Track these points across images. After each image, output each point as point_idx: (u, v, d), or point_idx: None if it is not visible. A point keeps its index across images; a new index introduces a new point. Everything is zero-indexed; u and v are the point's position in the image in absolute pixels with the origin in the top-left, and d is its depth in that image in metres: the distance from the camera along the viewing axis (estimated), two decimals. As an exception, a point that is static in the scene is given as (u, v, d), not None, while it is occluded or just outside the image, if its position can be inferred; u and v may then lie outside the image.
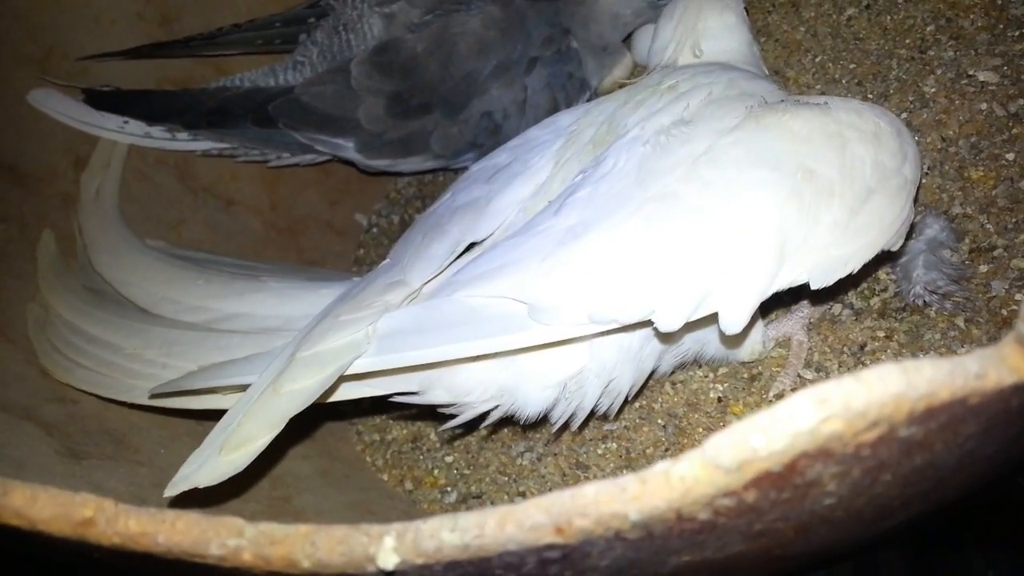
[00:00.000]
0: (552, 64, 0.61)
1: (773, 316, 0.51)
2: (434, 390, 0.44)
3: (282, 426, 0.40)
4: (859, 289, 0.50)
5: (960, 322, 0.46)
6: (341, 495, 0.49)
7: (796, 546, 0.26)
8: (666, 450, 0.49)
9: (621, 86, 0.68)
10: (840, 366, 0.46)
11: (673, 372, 0.49)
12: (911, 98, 0.56)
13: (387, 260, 0.48)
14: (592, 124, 0.47)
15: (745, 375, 0.49)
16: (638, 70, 0.68)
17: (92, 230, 0.56)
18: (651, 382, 0.50)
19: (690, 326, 0.39)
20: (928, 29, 0.59)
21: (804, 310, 0.49)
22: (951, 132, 0.53)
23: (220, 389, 0.45)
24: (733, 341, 0.46)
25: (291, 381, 0.40)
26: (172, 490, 0.39)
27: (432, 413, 0.46)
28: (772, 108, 0.42)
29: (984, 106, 0.53)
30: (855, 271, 0.40)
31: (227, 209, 0.64)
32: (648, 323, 0.39)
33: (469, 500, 0.51)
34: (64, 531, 0.22)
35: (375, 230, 0.70)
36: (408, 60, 0.59)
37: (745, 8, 0.55)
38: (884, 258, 0.42)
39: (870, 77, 0.58)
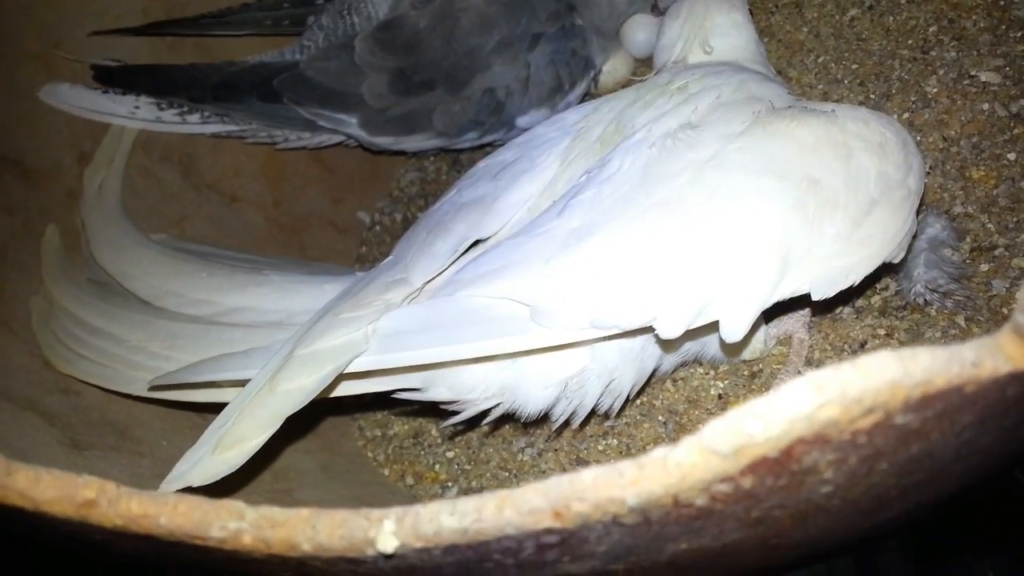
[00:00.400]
0: (556, 40, 0.61)
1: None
2: (436, 387, 0.44)
3: (277, 426, 0.40)
4: (860, 287, 0.50)
5: (961, 320, 0.46)
6: (343, 489, 0.49)
7: (793, 535, 0.26)
8: (666, 447, 0.49)
9: (627, 84, 0.68)
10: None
11: (674, 370, 0.50)
12: (913, 98, 0.56)
13: (390, 257, 0.48)
14: (600, 122, 0.47)
15: (746, 372, 0.49)
16: (639, 69, 0.69)
17: (95, 224, 0.56)
18: (652, 379, 0.50)
19: (692, 330, 0.39)
20: (931, 30, 0.59)
21: (805, 308, 0.49)
22: (953, 132, 0.53)
23: (219, 383, 0.45)
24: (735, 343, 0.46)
25: (288, 380, 0.40)
26: (167, 487, 0.39)
27: (434, 409, 0.46)
28: (779, 115, 0.42)
29: (986, 106, 0.53)
30: (856, 283, 0.40)
31: (230, 205, 0.64)
32: (650, 328, 0.39)
33: (470, 495, 0.51)
34: (67, 512, 0.23)
35: (378, 228, 0.70)
36: (411, 36, 0.59)
37: (749, 10, 0.56)
38: (885, 269, 0.42)
39: (872, 77, 0.59)
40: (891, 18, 0.61)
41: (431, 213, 0.49)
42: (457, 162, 0.72)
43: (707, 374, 0.50)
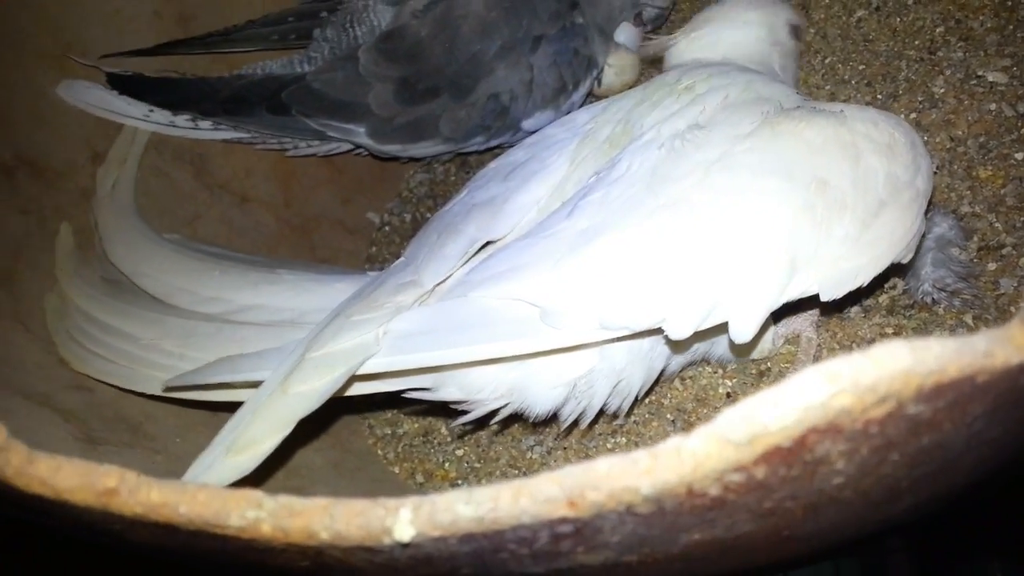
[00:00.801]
0: (557, 41, 0.62)
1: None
2: (446, 387, 0.44)
3: (290, 429, 0.40)
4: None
5: (969, 319, 0.46)
6: (354, 487, 0.49)
7: (805, 527, 0.26)
8: (675, 444, 0.49)
9: (634, 86, 0.69)
10: (849, 362, 0.47)
11: (682, 369, 0.50)
12: (920, 98, 0.56)
13: (402, 258, 0.48)
14: (608, 123, 0.48)
15: (754, 371, 0.49)
16: (646, 71, 0.69)
17: (107, 222, 0.56)
18: (660, 378, 0.50)
19: (701, 331, 0.39)
20: (937, 31, 0.59)
21: (813, 308, 0.50)
22: (960, 132, 0.53)
23: (233, 384, 0.45)
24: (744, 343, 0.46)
25: (300, 382, 0.40)
26: None
27: (443, 408, 0.46)
28: (787, 115, 0.42)
29: (993, 106, 0.53)
30: (865, 284, 0.40)
31: (242, 205, 0.64)
32: (659, 329, 0.39)
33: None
34: (87, 500, 0.23)
35: (387, 228, 0.71)
36: (413, 46, 0.60)
37: (795, 27, 0.56)
38: (894, 269, 0.42)
39: (879, 78, 0.59)
40: (898, 19, 0.61)
41: (442, 214, 0.49)
42: (466, 163, 0.72)
43: (715, 373, 0.50)
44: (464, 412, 0.45)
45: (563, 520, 0.22)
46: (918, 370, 0.20)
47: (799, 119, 0.41)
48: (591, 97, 0.69)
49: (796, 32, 0.56)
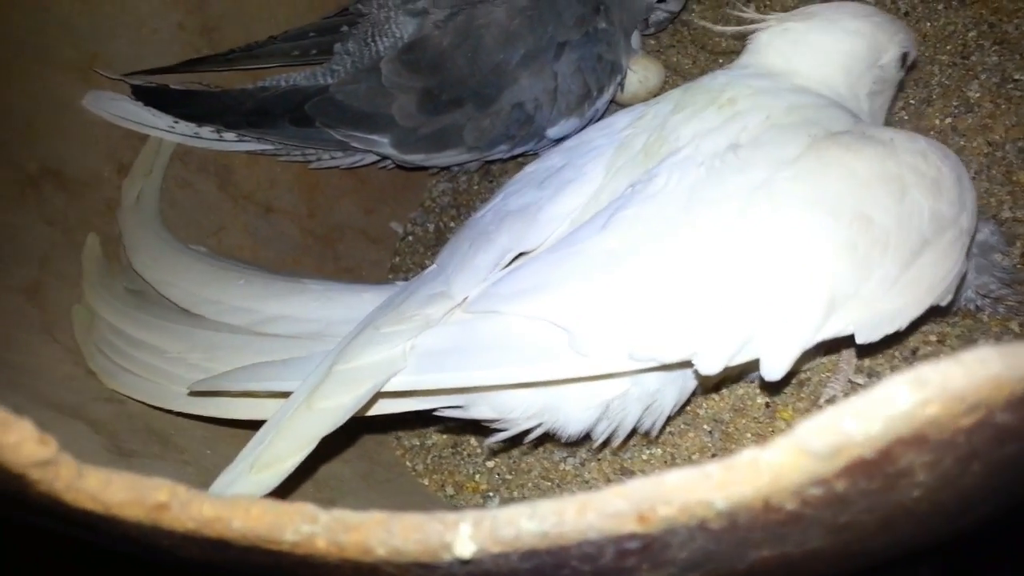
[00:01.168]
0: (581, 47, 0.61)
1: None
2: (478, 406, 0.44)
3: (312, 446, 0.39)
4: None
5: (1014, 326, 0.45)
6: (384, 499, 0.49)
7: (875, 542, 0.25)
8: (712, 455, 0.48)
9: (659, 93, 0.68)
10: (892, 371, 0.46)
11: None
12: (955, 103, 0.55)
13: (434, 266, 0.48)
14: (645, 130, 0.46)
15: (793, 381, 0.48)
16: (670, 78, 0.68)
17: (132, 232, 0.56)
18: (694, 395, 0.49)
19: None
20: (970, 35, 0.58)
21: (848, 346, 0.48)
22: (997, 136, 0.53)
23: (258, 393, 0.45)
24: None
25: (325, 398, 0.40)
26: None
27: (474, 423, 0.46)
28: (835, 141, 0.40)
29: (1032, 110, 0.52)
30: (903, 328, 0.39)
31: (266, 216, 0.64)
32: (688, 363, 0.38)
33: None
34: (138, 516, 0.22)
35: (410, 238, 0.70)
36: (435, 56, 0.60)
37: (906, 54, 0.49)
38: (933, 312, 0.41)
39: (912, 83, 0.58)
40: (928, 24, 0.61)
41: (475, 220, 0.48)
42: (488, 172, 0.72)
43: (752, 382, 0.49)
44: (496, 430, 0.45)
45: (631, 536, 0.21)
46: (1009, 377, 0.19)
47: (847, 147, 0.40)
48: (614, 104, 0.69)
49: (905, 61, 0.49)
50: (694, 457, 0.48)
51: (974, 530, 0.28)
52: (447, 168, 0.68)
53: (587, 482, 0.50)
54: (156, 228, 0.57)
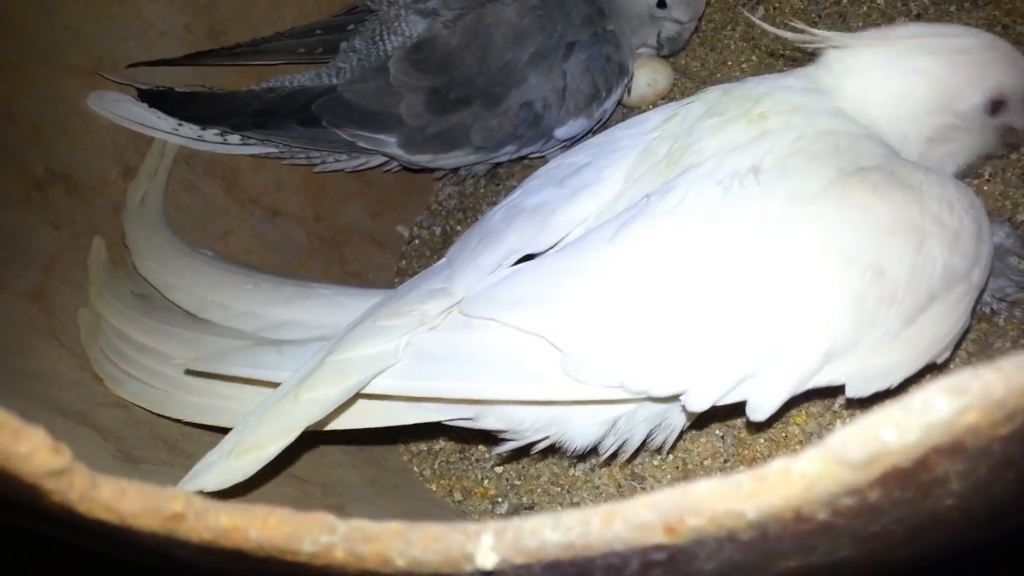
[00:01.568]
0: (590, 47, 0.61)
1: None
2: (486, 418, 0.44)
3: (294, 436, 0.40)
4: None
5: (1032, 331, 0.45)
6: (392, 505, 0.48)
7: (903, 551, 0.24)
8: (725, 461, 0.47)
9: (667, 96, 0.68)
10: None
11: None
12: (968, 105, 0.55)
13: (443, 260, 0.47)
14: (671, 135, 0.45)
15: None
16: (679, 81, 0.68)
17: (136, 235, 0.56)
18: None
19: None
20: (983, 37, 0.58)
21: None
22: (1012, 139, 0.52)
23: (254, 381, 0.44)
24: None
25: (312, 388, 0.40)
26: (185, 486, 0.38)
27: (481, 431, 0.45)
28: (861, 179, 0.39)
29: (1047, 112, 0.52)
30: (894, 386, 0.39)
31: (272, 219, 0.63)
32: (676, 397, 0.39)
33: (521, 511, 0.50)
34: (153, 526, 0.22)
35: (417, 241, 0.70)
36: (444, 56, 0.59)
37: (996, 101, 0.42)
38: (928, 369, 0.40)
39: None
40: (940, 26, 0.60)
41: (490, 215, 0.48)
42: (495, 176, 0.71)
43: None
44: (505, 440, 0.44)
45: (658, 547, 0.21)
46: (1049, 384, 0.18)
47: (873, 188, 0.38)
48: (621, 106, 0.68)
49: (998, 109, 0.43)
50: (706, 463, 0.48)
51: (1003, 540, 0.28)
52: (454, 171, 0.68)
53: (597, 488, 0.49)
54: (161, 231, 0.56)
